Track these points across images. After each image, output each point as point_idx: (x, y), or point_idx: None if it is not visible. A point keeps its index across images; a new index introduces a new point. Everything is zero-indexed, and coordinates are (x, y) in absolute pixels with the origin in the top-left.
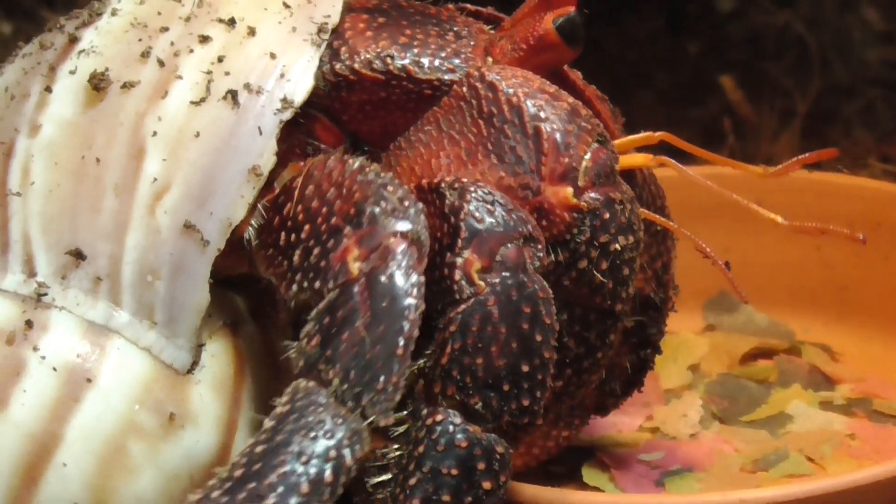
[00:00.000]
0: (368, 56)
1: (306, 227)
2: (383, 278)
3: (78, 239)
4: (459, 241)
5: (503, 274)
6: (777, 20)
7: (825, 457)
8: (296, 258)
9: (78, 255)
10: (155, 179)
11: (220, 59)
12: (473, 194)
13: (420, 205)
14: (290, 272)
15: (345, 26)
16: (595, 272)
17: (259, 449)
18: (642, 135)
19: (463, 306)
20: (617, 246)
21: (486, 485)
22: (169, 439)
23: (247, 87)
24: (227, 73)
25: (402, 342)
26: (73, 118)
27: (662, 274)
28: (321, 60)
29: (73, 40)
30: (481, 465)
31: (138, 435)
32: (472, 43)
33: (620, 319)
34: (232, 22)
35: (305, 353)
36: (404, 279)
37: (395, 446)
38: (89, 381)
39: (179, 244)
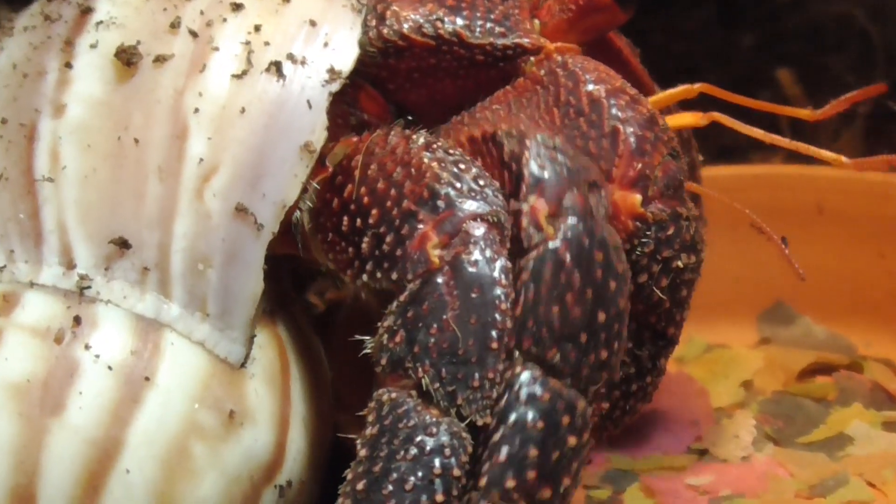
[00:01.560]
0: (417, 19)
1: (374, 211)
2: (469, 266)
3: (121, 227)
4: (524, 186)
5: (571, 220)
6: (838, 10)
7: (888, 482)
8: (364, 245)
9: (122, 245)
10: (201, 160)
11: (258, 29)
12: (534, 140)
13: (496, 183)
14: (357, 260)
15: None
16: (654, 288)
17: (360, 486)
18: (681, 88)
19: (533, 253)
20: (679, 263)
21: (572, 440)
22: (229, 439)
23: (290, 57)
24: (266, 44)
25: (495, 334)
26: (103, 96)
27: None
28: (365, 25)
29: (87, 11)
30: (565, 420)
31: (200, 436)
32: (517, 4)
33: (673, 344)
34: None
35: (388, 351)
36: (491, 266)
37: None
38: (147, 379)
39: (232, 229)
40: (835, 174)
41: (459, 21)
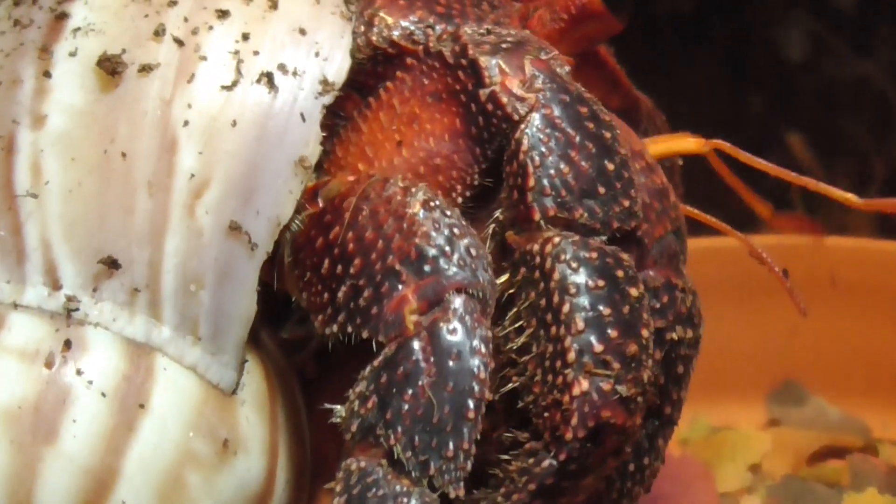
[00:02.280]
0: (407, 26)
1: (357, 260)
2: (447, 334)
3: (109, 244)
4: (482, 71)
5: (543, 82)
6: (854, 71)
7: None
8: (341, 294)
9: (111, 264)
10: (192, 175)
11: (246, 37)
12: (465, 32)
13: (489, 257)
14: (331, 307)
15: None
16: None
17: None
18: (692, 140)
19: (523, 124)
20: (674, 336)
21: (633, 291)
22: (224, 469)
23: (281, 67)
24: (255, 53)
25: (472, 404)
26: (86, 107)
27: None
28: (353, 32)
29: (62, 17)
30: (619, 273)
31: (195, 465)
32: (507, 13)
33: (671, 425)
34: None
35: (359, 417)
36: (471, 334)
37: (522, 300)
38: (142, 406)
39: (225, 248)
40: (849, 244)
41: (450, 29)
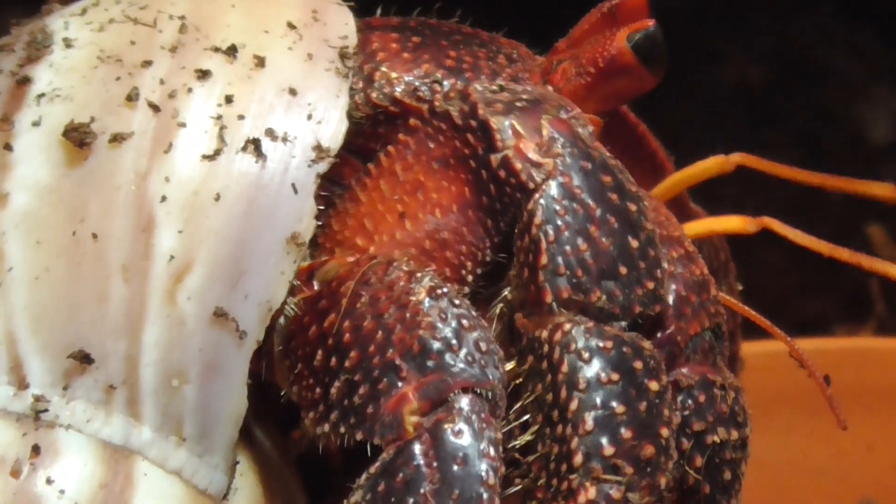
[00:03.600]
0: (412, 81)
1: (353, 352)
2: (452, 436)
3: (81, 337)
4: (495, 134)
5: (562, 146)
6: None
7: None
8: (334, 390)
9: (83, 359)
10: (172, 257)
11: (229, 100)
12: (475, 90)
13: (500, 352)
14: (323, 404)
15: (373, 46)
16: (687, 468)
17: None
18: (713, 160)
19: (538, 194)
20: (715, 438)
21: (653, 385)
22: None
23: (270, 133)
24: (241, 117)
25: None
26: (53, 183)
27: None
28: (351, 89)
29: (24, 81)
30: (638, 364)
31: None
32: (526, 67)
33: None
34: (232, 50)
35: None
36: (478, 437)
37: (528, 394)
38: None
39: (210, 337)
40: None
41: (461, 85)
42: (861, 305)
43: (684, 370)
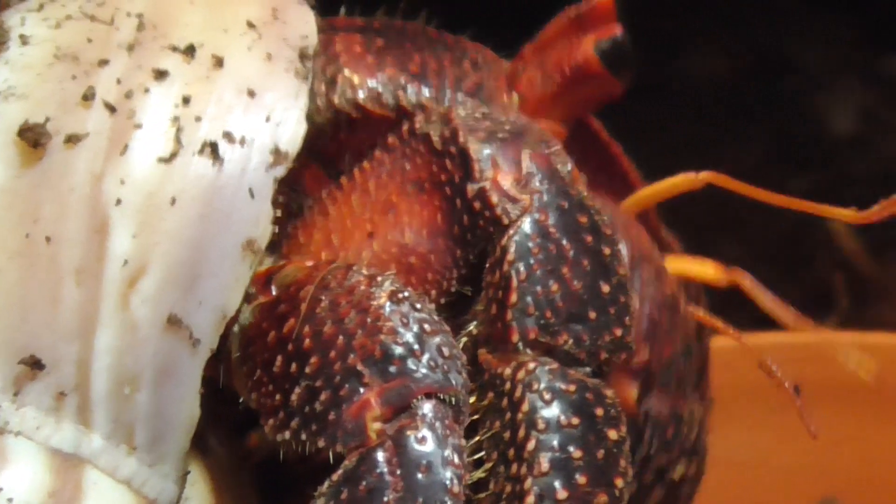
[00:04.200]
0: (375, 87)
1: (313, 358)
2: (415, 443)
3: (32, 342)
4: (474, 163)
5: (540, 182)
6: None
7: None
8: (294, 396)
9: (34, 364)
10: (126, 261)
11: (187, 101)
12: (458, 115)
13: (463, 357)
14: (283, 411)
15: (336, 48)
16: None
17: None
18: (682, 177)
19: (512, 229)
20: (677, 473)
21: (612, 434)
22: None
23: (227, 136)
24: (198, 119)
25: None
26: (6, 184)
27: None
28: (312, 92)
29: None
30: (599, 411)
31: None
32: (492, 74)
33: None
34: (190, 50)
35: None
36: (442, 444)
37: (485, 430)
38: None
39: (163, 343)
40: None
41: (425, 91)
42: (824, 299)
43: (657, 400)
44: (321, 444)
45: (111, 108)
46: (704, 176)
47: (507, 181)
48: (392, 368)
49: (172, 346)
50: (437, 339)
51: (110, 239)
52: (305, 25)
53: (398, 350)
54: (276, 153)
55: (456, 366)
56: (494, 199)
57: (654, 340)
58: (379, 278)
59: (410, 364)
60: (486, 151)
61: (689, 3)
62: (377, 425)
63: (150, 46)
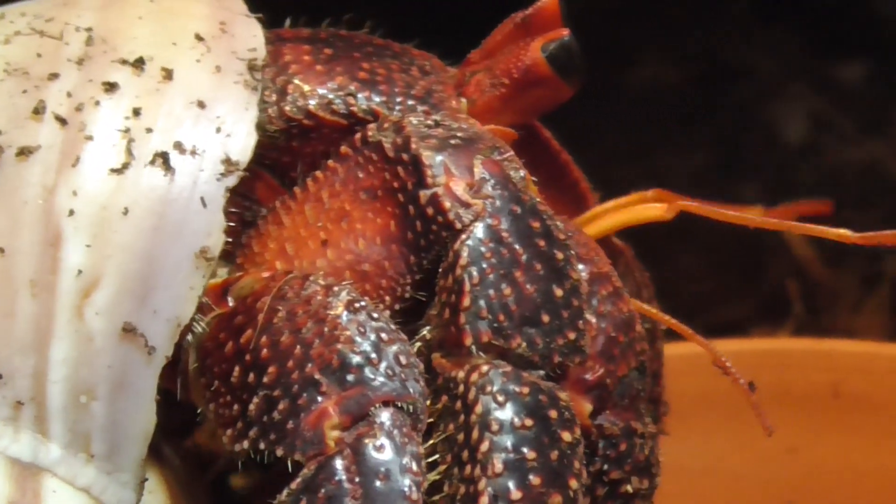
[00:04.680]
0: (326, 94)
1: (271, 368)
2: (374, 451)
3: None
4: (426, 169)
5: (492, 188)
6: (861, 154)
7: None
8: (252, 406)
9: None
10: (80, 272)
11: (137, 113)
12: (410, 123)
13: (421, 366)
14: (241, 421)
15: (285, 59)
16: None
17: None
18: (633, 196)
19: (465, 234)
20: (629, 488)
21: (566, 436)
22: None
23: (178, 146)
24: (148, 130)
25: None
26: None
27: None
28: (263, 102)
29: None
30: (553, 413)
31: None
32: (440, 80)
33: None
34: (140, 63)
35: None
36: (401, 452)
37: (439, 433)
38: None
39: (119, 353)
40: (855, 350)
41: (376, 97)
42: (778, 307)
43: (610, 416)
44: (280, 453)
45: (62, 121)
46: (676, 206)
47: (459, 187)
48: (350, 377)
49: (127, 356)
50: (394, 348)
51: (64, 251)
52: (253, 38)
53: (356, 359)
54: (228, 163)
55: (413, 374)
56: (447, 204)
57: (610, 358)
58: (336, 288)
59: (368, 372)
60: (439, 158)
61: (639, 10)
62: (336, 434)
63: (99, 60)
